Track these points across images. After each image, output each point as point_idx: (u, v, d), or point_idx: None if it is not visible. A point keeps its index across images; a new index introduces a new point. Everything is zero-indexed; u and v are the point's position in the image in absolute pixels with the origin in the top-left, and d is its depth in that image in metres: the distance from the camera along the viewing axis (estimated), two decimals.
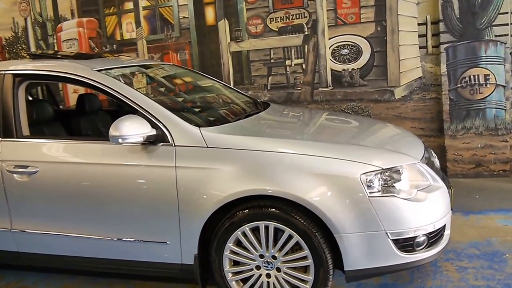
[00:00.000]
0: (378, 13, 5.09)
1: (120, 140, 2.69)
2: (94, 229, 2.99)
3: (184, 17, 5.94)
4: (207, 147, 2.73)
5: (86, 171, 2.94)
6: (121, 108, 4.31)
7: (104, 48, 6.50)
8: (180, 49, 6.03)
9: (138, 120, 2.75)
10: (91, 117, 4.10)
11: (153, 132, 2.78)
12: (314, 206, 2.53)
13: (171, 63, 4.84)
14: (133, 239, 2.91)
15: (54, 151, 3.08)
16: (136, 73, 3.69)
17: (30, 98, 4.81)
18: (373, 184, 2.54)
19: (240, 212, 2.68)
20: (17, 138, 3.13)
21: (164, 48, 6.11)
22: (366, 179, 2.54)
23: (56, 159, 3.03)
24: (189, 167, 2.72)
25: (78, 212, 3.00)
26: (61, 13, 6.76)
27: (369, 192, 2.53)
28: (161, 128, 2.80)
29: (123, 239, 2.94)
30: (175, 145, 2.77)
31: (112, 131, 2.69)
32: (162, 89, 3.74)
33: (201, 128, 2.82)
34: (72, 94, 6.85)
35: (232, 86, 4.56)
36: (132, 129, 2.69)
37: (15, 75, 3.23)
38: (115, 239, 2.96)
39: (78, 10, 6.66)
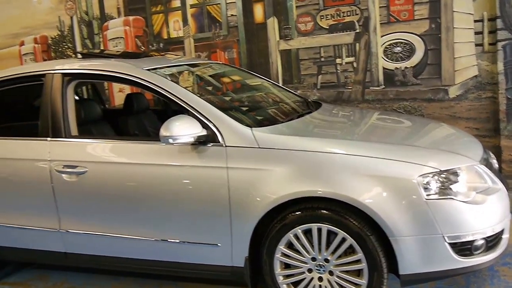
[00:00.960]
0: (432, 10, 5.04)
1: (170, 141, 2.77)
2: (143, 230, 3.06)
3: (232, 15, 5.99)
4: (259, 147, 2.79)
5: (135, 172, 3.01)
6: (168, 108, 4.44)
7: (150, 46, 6.64)
8: (228, 47, 6.08)
9: (188, 120, 2.83)
10: (138, 117, 4.18)
11: (204, 132, 2.84)
12: (369, 208, 2.56)
13: (219, 62, 4.92)
14: (182, 241, 2.98)
15: (103, 151, 3.16)
16: (185, 72, 3.79)
17: (77, 98, 4.99)
18: (430, 186, 2.56)
19: (292, 214, 2.72)
20: (66, 138, 3.23)
21: (211, 47, 6.18)
22: (423, 181, 2.55)
23: (105, 160, 3.12)
24: (240, 168, 2.77)
25: (127, 213, 3.08)
26: (107, 12, 6.92)
27: (426, 195, 2.54)
28: (212, 128, 2.86)
29: (172, 240, 3.00)
30: (226, 146, 2.83)
31: (163, 131, 2.77)
32: (211, 88, 3.83)
33: (252, 128, 2.88)
34: (117, 94, 7.03)
35: (281, 85, 4.61)
36: (182, 129, 2.76)
37: (64, 75, 3.33)
38: (164, 240, 3.02)
39: (125, 8, 6.81)
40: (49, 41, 7.44)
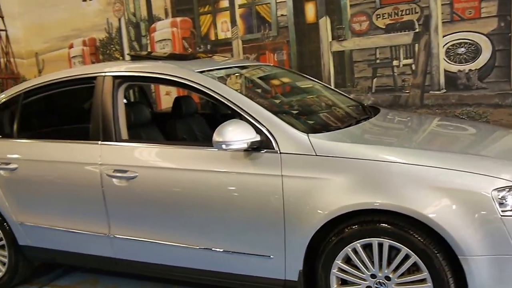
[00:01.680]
0: (501, 7, 4.80)
1: (224, 146, 2.72)
2: (193, 238, 3.03)
3: (282, 15, 5.93)
4: (316, 155, 2.69)
5: (185, 178, 2.99)
6: (216, 111, 4.44)
7: (197, 48, 6.65)
8: (278, 49, 6.03)
9: (242, 125, 2.77)
10: (186, 121, 4.18)
11: (258, 138, 2.79)
12: (436, 223, 2.41)
13: (270, 64, 4.86)
14: (232, 251, 2.93)
15: (153, 156, 3.17)
16: (235, 74, 3.74)
17: (125, 101, 5.04)
18: (506, 201, 2.38)
19: (351, 227, 2.61)
20: (116, 141, 3.25)
21: (260, 48, 6.14)
22: (498, 196, 2.38)
23: (155, 165, 3.12)
24: (296, 176, 2.69)
25: (177, 220, 3.06)
26: (155, 13, 6.98)
27: (501, 211, 2.37)
28: (266, 134, 2.80)
29: (222, 250, 2.96)
30: (280, 152, 2.76)
31: (216, 137, 2.73)
32: (263, 92, 3.76)
33: (309, 134, 2.79)
34: (164, 97, 7.07)
35: (336, 89, 4.48)
36: (236, 135, 2.72)
37: (115, 77, 3.35)
38: (214, 249, 2.98)
39: (172, 9, 6.85)
40: (97, 44, 7.56)
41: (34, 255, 3.75)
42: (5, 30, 8.33)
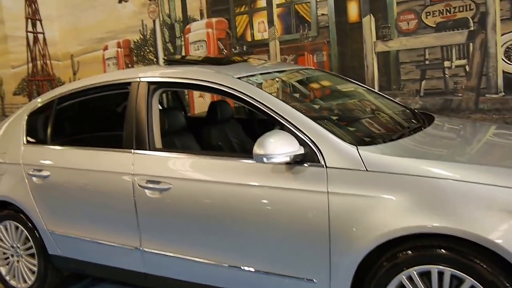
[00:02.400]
0: None
1: (265, 160, 2.52)
2: (229, 256, 2.86)
3: (322, 14, 5.76)
4: (367, 170, 2.45)
5: (222, 191, 2.82)
6: (253, 116, 4.31)
7: (233, 50, 6.51)
8: (317, 50, 5.85)
9: (285, 136, 2.57)
10: (222, 127, 4.05)
11: (301, 150, 2.57)
12: (505, 251, 2.13)
13: (311, 67, 4.66)
14: (272, 272, 2.73)
15: (188, 167, 3.01)
16: (275, 79, 3.54)
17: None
18: None
19: (406, 251, 2.35)
20: (149, 150, 3.12)
21: (298, 49, 5.97)
22: None
23: (190, 176, 2.96)
24: (344, 194, 2.46)
25: (211, 236, 2.89)
26: (189, 14, 6.90)
27: None
28: (311, 146, 2.58)
29: (260, 271, 2.77)
30: (326, 167, 2.53)
31: (257, 149, 2.53)
32: (305, 99, 3.53)
33: (358, 147, 2.54)
34: (197, 99, 6.95)
35: (383, 94, 4.23)
36: (278, 147, 2.51)
37: (150, 83, 3.24)
38: (250, 269, 2.80)
39: (208, 10, 6.76)
40: (132, 45, 7.56)
41: (63, 265, 3.70)
42: (43, 33, 8.45)
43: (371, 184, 2.42)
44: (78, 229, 3.45)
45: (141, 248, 3.16)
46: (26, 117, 3.86)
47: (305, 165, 2.58)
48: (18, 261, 3.83)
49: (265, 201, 2.68)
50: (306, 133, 2.61)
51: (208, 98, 7.53)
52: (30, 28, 8.44)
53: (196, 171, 2.98)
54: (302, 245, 2.60)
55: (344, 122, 3.14)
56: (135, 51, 7.61)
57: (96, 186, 3.31)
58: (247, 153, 2.68)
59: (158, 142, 3.17)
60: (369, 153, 2.51)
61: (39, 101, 3.88)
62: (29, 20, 8.44)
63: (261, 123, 4.27)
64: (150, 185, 3.03)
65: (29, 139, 3.79)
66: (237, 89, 2.91)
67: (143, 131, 3.16)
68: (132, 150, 3.17)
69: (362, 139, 2.76)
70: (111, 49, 7.92)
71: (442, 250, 2.28)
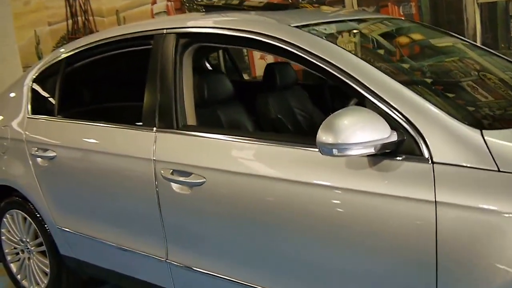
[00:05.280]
0: None
1: (335, 152, 1.76)
2: (285, 281, 2.16)
3: None
4: (499, 171, 1.64)
5: (275, 191, 2.11)
6: (324, 82, 3.52)
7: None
8: (404, 0, 5.07)
9: (368, 115, 1.79)
10: (283, 95, 3.38)
11: (394, 137, 1.80)
12: None
13: (403, 18, 3.93)
14: None
15: (230, 154, 2.30)
16: (351, 31, 2.74)
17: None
18: None
19: None
20: (177, 129, 2.44)
21: (380, 0, 5.20)
22: None
23: (232, 168, 2.24)
24: (460, 206, 1.68)
25: (262, 252, 2.21)
26: None
27: None
28: (409, 131, 1.80)
29: None
30: (433, 162, 1.74)
31: (323, 135, 1.77)
32: (396, 61, 2.71)
33: (483, 131, 1.73)
34: (258, 61, 6.29)
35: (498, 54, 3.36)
36: (356, 133, 1.73)
37: (179, 36, 2.53)
38: None
39: None
40: None
41: (78, 269, 3.15)
42: None
43: (507, 193, 1.62)
44: (91, 228, 2.87)
45: (168, 260, 2.52)
46: (31, 82, 3.26)
47: (399, 158, 1.81)
48: (29, 258, 3.32)
49: (338, 209, 1.94)
50: (402, 111, 1.83)
51: (270, 57, 6.89)
52: None
53: (241, 160, 2.27)
54: (394, 274, 1.85)
55: (454, 95, 2.31)
56: (187, 5, 7.05)
57: (110, 175, 2.69)
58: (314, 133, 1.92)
59: (191, 118, 2.48)
60: (501, 142, 1.70)
61: (41, 65, 3.28)
62: None
63: (337, 92, 3.55)
64: (178, 178, 2.35)
65: (34, 109, 3.20)
66: (293, 42, 2.14)
67: (169, 102, 2.47)
68: (154, 129, 2.49)
69: (483, 121, 1.95)
70: (160, 3, 7.43)
71: None
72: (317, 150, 1.86)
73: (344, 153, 1.74)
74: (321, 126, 1.78)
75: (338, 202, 1.94)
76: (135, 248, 2.66)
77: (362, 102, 1.93)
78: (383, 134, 1.76)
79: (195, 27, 2.58)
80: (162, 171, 2.39)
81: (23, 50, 8.39)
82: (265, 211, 2.13)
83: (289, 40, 2.15)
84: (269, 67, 3.45)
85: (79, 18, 8.12)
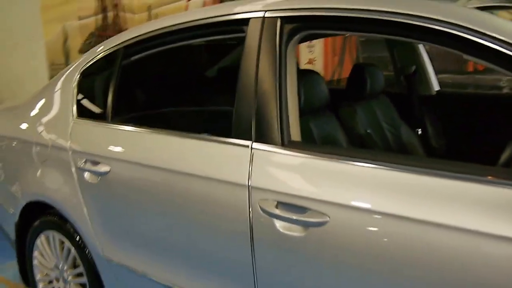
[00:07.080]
0: None
1: None
2: None
3: None
4: None
5: (421, 237, 1.52)
6: (412, 90, 3.16)
7: None
8: None
9: None
10: (369, 105, 2.94)
11: None
12: None
13: None
14: None
15: (353, 183, 1.69)
16: None
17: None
18: None
19: None
20: (282, 146, 1.85)
21: None
22: None
23: (358, 205, 1.64)
24: None
25: None
26: None
27: None
28: None
29: None
30: None
31: None
32: None
33: None
34: (305, 66, 5.69)
35: None
36: None
37: (285, 20, 1.93)
38: None
39: None
40: None
41: None
42: None
43: None
44: (154, 266, 2.29)
45: None
46: (78, 77, 2.71)
47: None
48: None
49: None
50: None
51: (319, 62, 6.27)
52: None
53: (367, 194, 1.65)
54: None
55: None
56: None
57: (183, 201, 2.10)
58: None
59: (295, 131, 1.91)
60: None
61: (96, 53, 2.70)
62: None
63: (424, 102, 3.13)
64: (284, 213, 1.76)
65: (82, 111, 2.65)
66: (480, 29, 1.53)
67: (271, 109, 1.88)
68: (250, 143, 1.91)
69: None
70: None
71: None
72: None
73: None
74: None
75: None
76: None
77: None
78: None
79: (315, 9, 1.88)
80: (261, 203, 1.81)
81: (50, 47, 7.84)
82: (405, 264, 1.54)
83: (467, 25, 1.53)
84: (357, 69, 2.95)
85: (109, 13, 7.65)
